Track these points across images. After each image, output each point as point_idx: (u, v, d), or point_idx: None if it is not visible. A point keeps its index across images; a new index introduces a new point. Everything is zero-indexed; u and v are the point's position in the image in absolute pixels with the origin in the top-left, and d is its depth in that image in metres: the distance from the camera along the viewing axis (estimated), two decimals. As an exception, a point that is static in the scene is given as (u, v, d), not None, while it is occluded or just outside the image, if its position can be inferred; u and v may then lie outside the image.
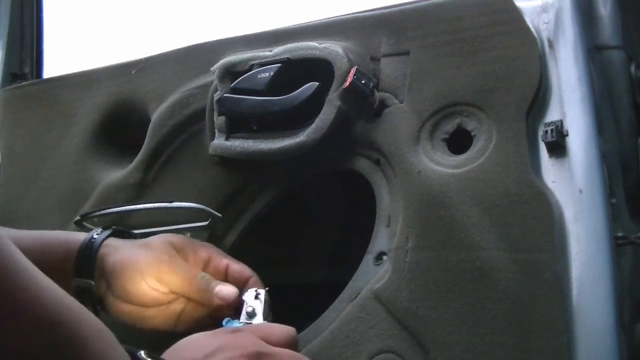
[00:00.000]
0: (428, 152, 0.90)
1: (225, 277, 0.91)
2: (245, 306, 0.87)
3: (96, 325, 0.61)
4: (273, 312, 0.90)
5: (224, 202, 1.05)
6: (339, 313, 0.90)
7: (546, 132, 0.84)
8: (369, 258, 0.93)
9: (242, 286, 0.90)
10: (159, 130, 1.10)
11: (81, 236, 0.92)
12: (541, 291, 0.78)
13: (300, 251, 1.27)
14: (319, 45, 0.98)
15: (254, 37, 1.07)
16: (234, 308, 0.89)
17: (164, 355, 0.73)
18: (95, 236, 0.91)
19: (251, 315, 0.87)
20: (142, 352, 0.66)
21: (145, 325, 0.90)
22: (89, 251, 0.90)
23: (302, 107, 0.97)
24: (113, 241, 0.92)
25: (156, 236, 0.94)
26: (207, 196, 1.05)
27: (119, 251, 0.90)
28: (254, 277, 0.91)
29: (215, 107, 1.04)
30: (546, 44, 0.88)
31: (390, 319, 0.85)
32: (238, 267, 0.92)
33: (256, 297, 0.88)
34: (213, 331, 0.80)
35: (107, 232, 0.93)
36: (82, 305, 0.61)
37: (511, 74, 0.87)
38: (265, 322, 0.87)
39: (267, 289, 0.90)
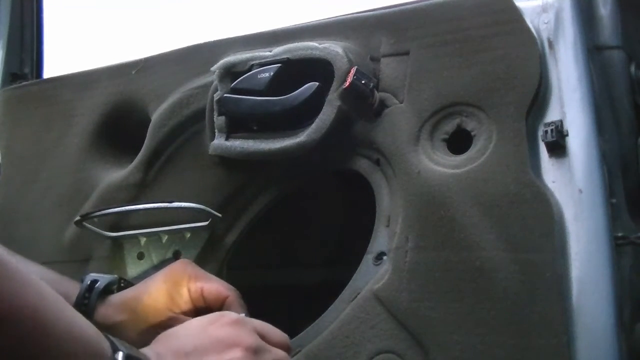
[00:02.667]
0: (428, 152, 0.90)
1: (203, 300, 0.90)
2: None
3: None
4: (273, 312, 0.90)
5: (224, 202, 1.05)
6: (339, 313, 0.90)
7: (546, 132, 0.84)
8: (368, 258, 0.93)
9: (220, 305, 0.89)
10: (159, 130, 1.10)
11: (72, 291, 0.89)
12: (541, 291, 0.78)
13: (300, 251, 1.27)
14: (319, 45, 0.98)
15: (254, 37, 1.07)
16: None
17: (154, 343, 0.73)
18: (84, 302, 0.88)
19: None
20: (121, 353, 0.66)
21: None
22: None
23: (302, 107, 0.97)
24: (104, 311, 0.89)
25: (140, 291, 0.90)
26: (207, 196, 1.05)
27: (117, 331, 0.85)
28: (231, 296, 0.89)
29: (215, 107, 1.04)
30: (546, 44, 0.88)
31: (390, 319, 0.85)
32: (213, 288, 0.90)
33: None
34: (210, 317, 0.78)
35: (96, 296, 0.89)
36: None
37: (511, 74, 0.87)
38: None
39: (245, 314, 0.87)
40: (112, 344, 0.66)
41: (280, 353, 0.78)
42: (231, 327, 0.76)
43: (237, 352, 0.74)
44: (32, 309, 0.59)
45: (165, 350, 0.72)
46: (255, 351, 0.75)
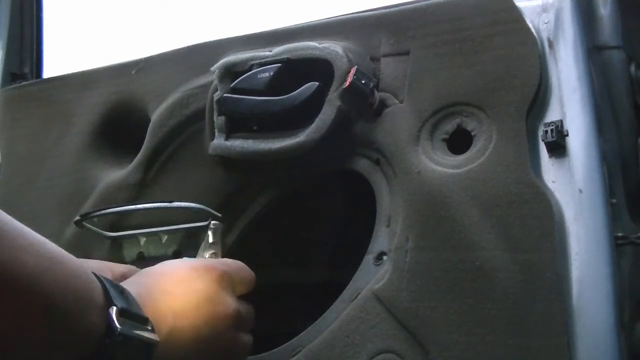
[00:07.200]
0: (428, 152, 0.90)
1: None
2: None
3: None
4: (274, 312, 0.90)
5: (224, 202, 1.05)
6: (339, 313, 0.90)
7: (546, 132, 0.84)
8: (369, 258, 0.93)
9: None
10: (158, 130, 1.10)
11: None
12: (541, 291, 0.78)
13: (300, 251, 1.27)
14: (319, 45, 0.98)
15: (254, 37, 1.07)
16: None
17: (137, 277, 0.77)
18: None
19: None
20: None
21: None
22: None
23: (302, 107, 0.97)
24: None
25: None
26: (207, 196, 1.05)
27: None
28: None
29: (215, 107, 1.04)
30: (546, 44, 0.88)
31: (391, 319, 0.85)
32: None
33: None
34: (196, 266, 0.81)
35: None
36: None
37: (511, 74, 0.87)
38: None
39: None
40: (105, 293, 0.66)
41: (249, 319, 0.84)
42: (217, 285, 0.79)
43: (219, 322, 0.78)
44: (31, 276, 0.60)
45: (154, 293, 0.73)
46: (234, 319, 0.79)
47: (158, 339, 0.69)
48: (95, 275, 0.67)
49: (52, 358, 0.63)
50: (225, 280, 0.81)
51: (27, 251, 0.60)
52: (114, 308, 0.65)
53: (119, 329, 0.65)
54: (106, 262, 0.93)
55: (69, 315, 0.62)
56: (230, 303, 0.80)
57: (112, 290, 0.67)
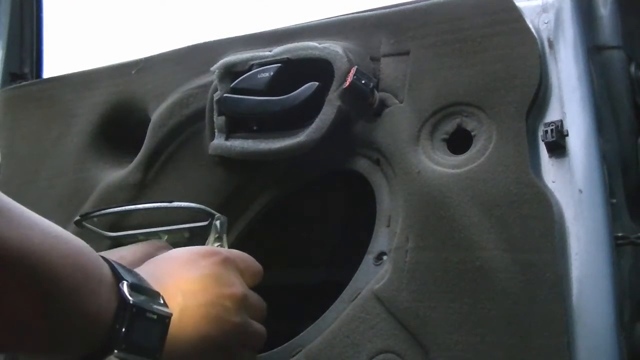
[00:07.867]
0: (428, 152, 0.90)
1: None
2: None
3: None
4: (274, 312, 0.90)
5: (224, 202, 1.05)
6: (339, 313, 0.90)
7: (546, 132, 0.84)
8: (369, 258, 0.93)
9: None
10: (158, 130, 1.10)
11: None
12: (541, 291, 0.78)
13: (300, 251, 1.27)
14: (319, 45, 0.98)
15: (254, 37, 1.07)
16: None
17: (145, 266, 0.76)
18: None
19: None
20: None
21: None
22: None
23: (302, 107, 0.97)
24: None
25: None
26: (207, 196, 1.05)
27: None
28: None
29: (215, 107, 1.04)
30: (546, 44, 0.88)
31: (391, 319, 0.85)
32: None
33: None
34: (200, 250, 0.80)
35: None
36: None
37: (511, 74, 0.87)
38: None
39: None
40: (113, 270, 0.66)
41: (259, 307, 0.82)
42: (222, 268, 0.78)
43: (227, 302, 0.76)
44: (38, 253, 0.59)
45: (161, 277, 0.73)
46: (242, 301, 0.78)
47: (172, 313, 0.68)
48: (101, 256, 0.68)
49: (65, 339, 0.62)
50: (230, 264, 0.80)
51: (32, 230, 0.60)
52: (124, 282, 0.66)
53: (131, 301, 0.65)
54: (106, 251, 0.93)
55: (79, 292, 0.62)
56: (237, 285, 0.79)
57: (120, 268, 0.68)
